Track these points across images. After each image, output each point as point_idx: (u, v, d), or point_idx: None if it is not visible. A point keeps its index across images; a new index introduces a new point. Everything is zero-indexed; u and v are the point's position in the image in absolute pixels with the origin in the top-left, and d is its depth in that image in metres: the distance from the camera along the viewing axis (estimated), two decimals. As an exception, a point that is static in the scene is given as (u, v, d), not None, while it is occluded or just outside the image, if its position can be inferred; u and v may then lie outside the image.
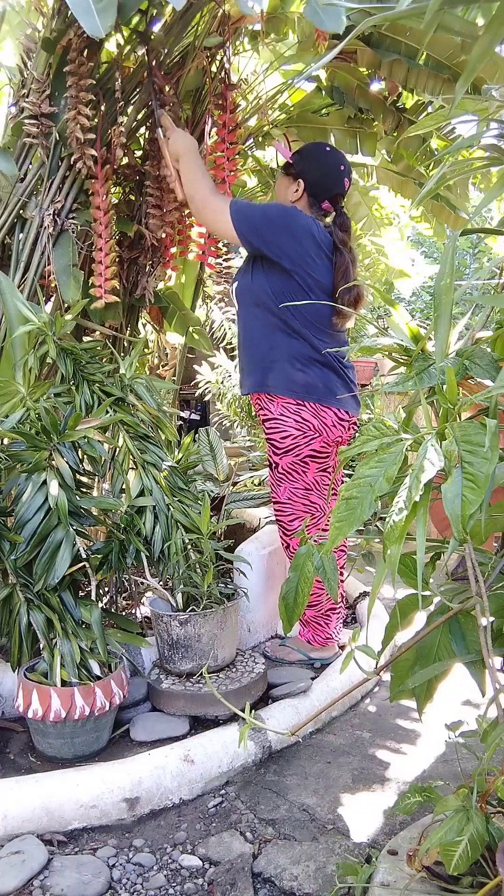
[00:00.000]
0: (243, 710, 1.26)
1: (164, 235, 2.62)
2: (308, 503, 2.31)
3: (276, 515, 2.39)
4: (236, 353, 3.56)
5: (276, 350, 2.25)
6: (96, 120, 2.30)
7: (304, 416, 2.23)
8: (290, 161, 2.33)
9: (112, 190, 2.43)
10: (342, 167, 2.30)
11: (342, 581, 2.60)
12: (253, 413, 3.87)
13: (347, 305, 2.21)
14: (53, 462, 1.91)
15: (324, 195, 2.29)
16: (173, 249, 2.70)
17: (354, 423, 2.37)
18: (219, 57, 2.49)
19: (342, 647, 2.44)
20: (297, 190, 2.30)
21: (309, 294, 2.18)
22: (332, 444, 2.29)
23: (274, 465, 2.33)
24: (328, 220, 2.33)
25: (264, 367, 2.28)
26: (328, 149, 2.36)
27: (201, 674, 1.99)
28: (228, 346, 4.17)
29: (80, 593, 2.02)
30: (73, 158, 2.23)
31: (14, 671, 1.88)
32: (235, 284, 2.38)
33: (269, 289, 2.23)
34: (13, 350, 2.18)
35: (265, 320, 2.27)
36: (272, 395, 2.27)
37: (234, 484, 3.09)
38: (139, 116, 2.55)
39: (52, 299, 2.51)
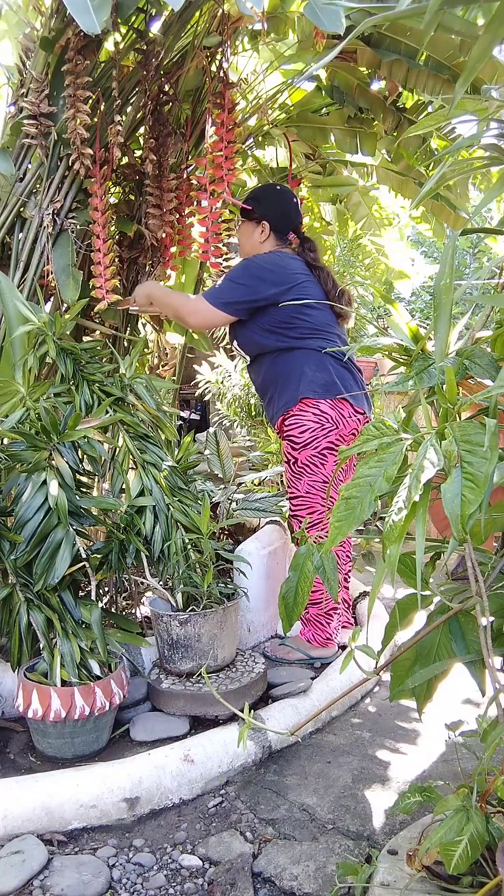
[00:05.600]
0: (243, 710, 1.27)
1: (163, 235, 2.62)
2: (325, 497, 2.34)
3: (293, 510, 2.41)
4: (236, 353, 3.57)
5: (286, 371, 2.35)
6: (95, 119, 2.30)
7: (322, 409, 2.30)
8: (249, 208, 2.46)
9: (112, 190, 2.43)
10: (294, 200, 2.49)
11: (347, 587, 2.61)
12: (253, 413, 3.87)
13: (345, 306, 2.40)
14: (53, 462, 1.91)
15: (287, 229, 2.49)
16: (173, 249, 2.70)
17: (368, 418, 2.42)
18: (218, 56, 2.49)
19: (342, 647, 2.45)
20: (262, 231, 2.46)
21: (307, 306, 2.31)
22: (349, 436, 2.34)
23: (292, 460, 2.36)
24: (293, 246, 2.50)
25: (279, 393, 2.37)
26: (279, 188, 2.54)
27: (201, 674, 1.99)
28: (228, 346, 4.17)
29: (80, 593, 2.02)
30: (71, 159, 2.23)
31: (14, 671, 1.88)
32: (235, 342, 2.49)
33: (265, 324, 2.34)
34: (13, 350, 2.18)
35: (271, 356, 2.39)
36: (293, 406, 2.34)
37: (239, 485, 3.09)
38: (138, 115, 2.55)
39: (52, 299, 2.51)
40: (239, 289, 2.31)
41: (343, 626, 2.53)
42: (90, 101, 2.20)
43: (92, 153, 2.23)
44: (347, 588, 2.62)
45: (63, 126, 2.22)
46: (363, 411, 2.39)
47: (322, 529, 2.32)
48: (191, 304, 2.38)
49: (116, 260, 2.53)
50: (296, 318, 2.31)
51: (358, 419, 2.37)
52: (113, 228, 2.42)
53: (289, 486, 2.42)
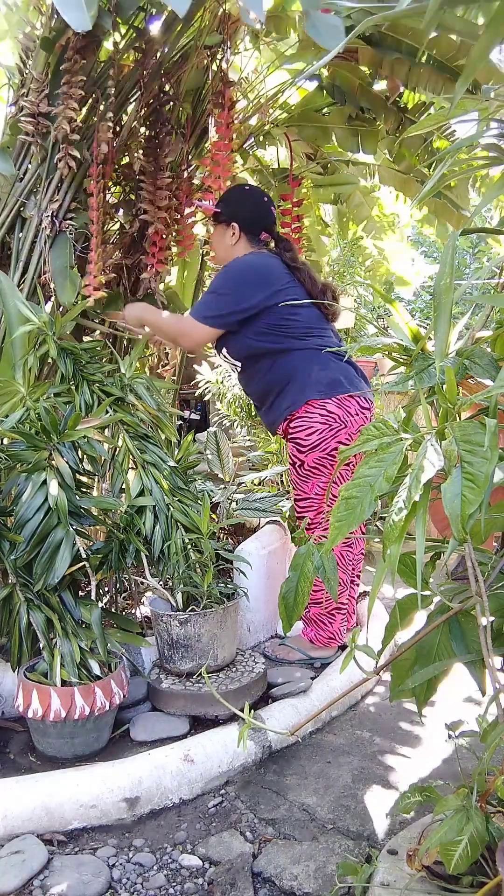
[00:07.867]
0: (243, 710, 1.27)
1: (164, 234, 2.62)
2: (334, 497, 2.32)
3: (300, 512, 2.38)
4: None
5: (287, 373, 2.31)
6: (95, 119, 2.30)
7: (329, 409, 2.27)
8: (218, 210, 2.41)
9: (112, 189, 2.42)
10: (265, 199, 2.44)
11: (358, 584, 2.58)
12: (253, 413, 3.87)
13: (330, 303, 2.38)
14: (53, 462, 1.91)
15: (259, 229, 2.42)
16: (174, 249, 2.70)
17: (372, 414, 2.42)
18: (219, 56, 2.49)
19: (342, 648, 2.44)
20: (233, 234, 2.40)
21: (297, 306, 2.27)
22: (356, 434, 2.30)
23: (298, 463, 2.33)
24: (271, 246, 2.45)
25: (282, 396, 2.34)
26: (247, 188, 2.51)
27: (201, 673, 1.99)
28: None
29: (80, 593, 2.02)
30: (56, 157, 2.22)
31: (14, 671, 1.88)
32: (224, 350, 2.41)
33: (259, 327, 2.29)
34: (13, 350, 2.18)
35: (268, 360, 2.34)
36: (297, 409, 2.30)
37: (239, 485, 3.09)
38: (141, 113, 2.54)
39: (52, 299, 2.51)
40: (223, 299, 2.26)
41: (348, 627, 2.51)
42: (88, 101, 2.20)
43: (77, 154, 2.22)
44: (358, 586, 2.59)
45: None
46: (370, 406, 2.36)
47: (326, 530, 2.30)
48: (179, 326, 2.34)
49: (110, 259, 2.52)
50: (288, 319, 2.27)
51: (365, 415, 2.33)
52: (115, 227, 2.41)
53: (295, 489, 2.39)
